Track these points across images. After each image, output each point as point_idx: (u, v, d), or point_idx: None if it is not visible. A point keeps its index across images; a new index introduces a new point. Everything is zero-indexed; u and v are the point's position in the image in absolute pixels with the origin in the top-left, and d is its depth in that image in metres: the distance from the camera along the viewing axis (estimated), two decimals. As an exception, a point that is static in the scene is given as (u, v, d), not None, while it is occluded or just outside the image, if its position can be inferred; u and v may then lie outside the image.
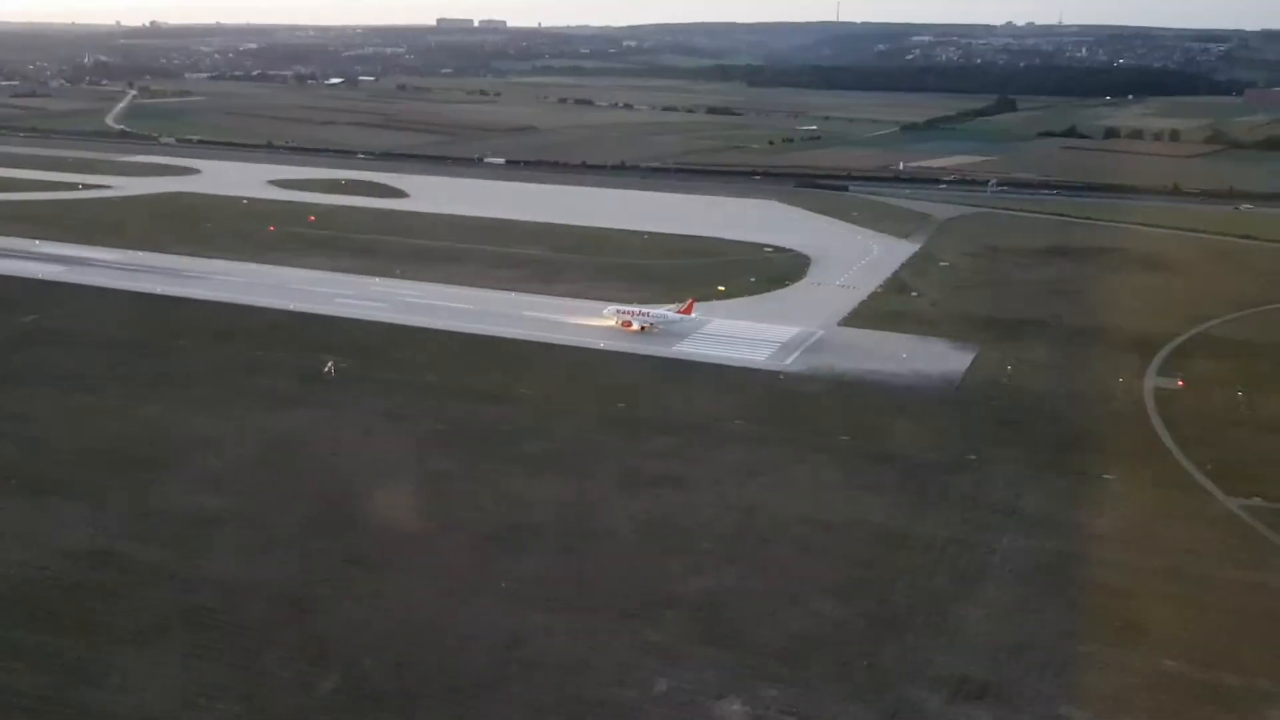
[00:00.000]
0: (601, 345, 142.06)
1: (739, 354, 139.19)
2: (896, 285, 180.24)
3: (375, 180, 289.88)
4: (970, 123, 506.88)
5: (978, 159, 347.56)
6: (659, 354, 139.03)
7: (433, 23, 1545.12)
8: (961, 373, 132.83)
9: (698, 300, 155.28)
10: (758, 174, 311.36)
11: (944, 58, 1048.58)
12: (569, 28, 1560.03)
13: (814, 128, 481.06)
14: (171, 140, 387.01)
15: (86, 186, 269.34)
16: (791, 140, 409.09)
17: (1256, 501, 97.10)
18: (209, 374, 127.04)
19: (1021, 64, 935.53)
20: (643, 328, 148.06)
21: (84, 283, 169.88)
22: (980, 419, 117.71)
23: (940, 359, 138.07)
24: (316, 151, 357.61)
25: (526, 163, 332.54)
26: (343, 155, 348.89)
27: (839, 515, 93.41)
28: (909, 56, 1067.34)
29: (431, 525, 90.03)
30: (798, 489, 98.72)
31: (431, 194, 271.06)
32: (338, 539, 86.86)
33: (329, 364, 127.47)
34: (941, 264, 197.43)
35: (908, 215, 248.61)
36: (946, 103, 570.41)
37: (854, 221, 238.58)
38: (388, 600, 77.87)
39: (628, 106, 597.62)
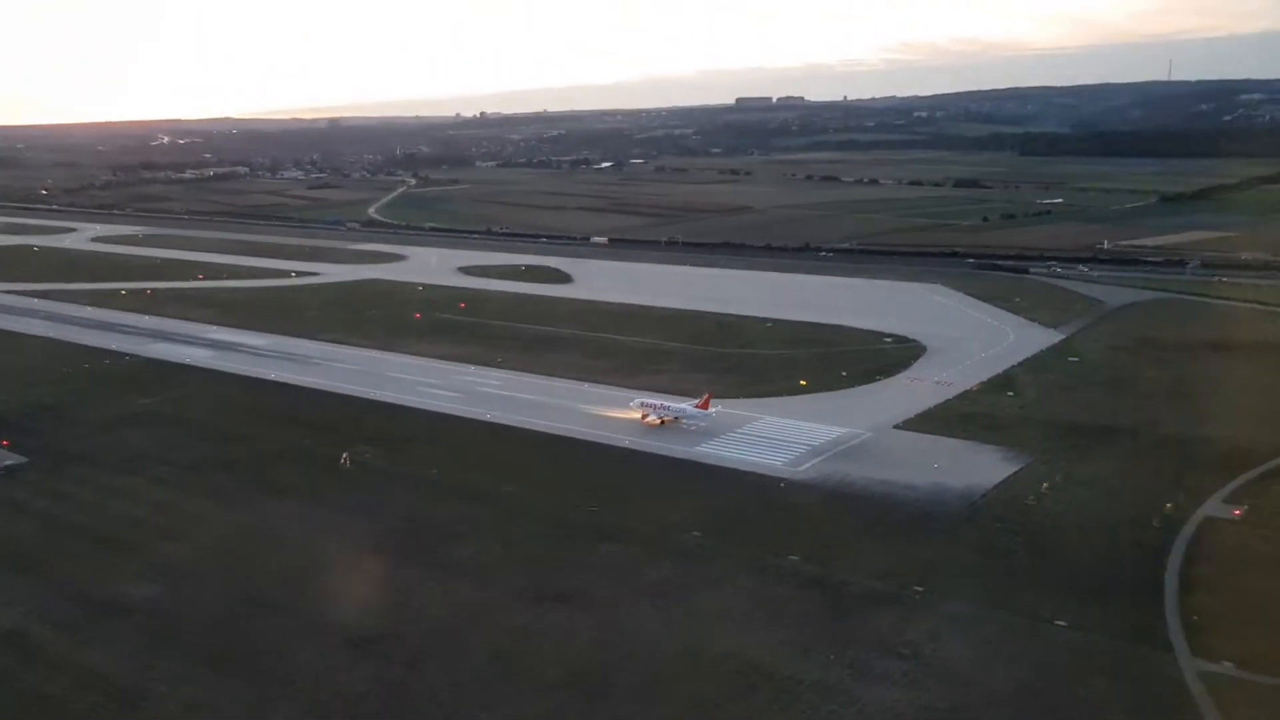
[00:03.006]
0: (626, 442, 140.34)
1: (759, 457, 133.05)
2: (1000, 383, 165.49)
3: (553, 265, 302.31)
4: (1249, 192, 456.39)
5: (1214, 235, 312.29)
6: (674, 453, 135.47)
7: (732, 101, 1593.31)
8: (987, 489, 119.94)
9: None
10: (932, 254, 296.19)
11: (1268, 117, 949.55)
12: (872, 100, 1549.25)
13: (1058, 200, 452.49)
14: (356, 225, 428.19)
15: (299, 274, 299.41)
16: (1013, 216, 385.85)
17: (1224, 666, 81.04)
18: (246, 461, 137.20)
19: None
20: (662, 421, 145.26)
21: (217, 368, 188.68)
22: (965, 545, 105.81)
23: (976, 471, 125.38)
24: (524, 237, 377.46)
25: (713, 245, 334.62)
26: (547, 240, 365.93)
27: (717, 648, 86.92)
28: (1227, 117, 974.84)
29: (302, 627, 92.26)
30: (695, 615, 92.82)
31: (594, 280, 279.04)
32: (217, 636, 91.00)
33: (344, 455, 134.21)
34: (1071, 359, 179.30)
35: (1075, 301, 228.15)
36: (1240, 168, 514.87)
37: (1010, 308, 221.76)
38: (200, 713, 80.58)
39: (873, 182, 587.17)
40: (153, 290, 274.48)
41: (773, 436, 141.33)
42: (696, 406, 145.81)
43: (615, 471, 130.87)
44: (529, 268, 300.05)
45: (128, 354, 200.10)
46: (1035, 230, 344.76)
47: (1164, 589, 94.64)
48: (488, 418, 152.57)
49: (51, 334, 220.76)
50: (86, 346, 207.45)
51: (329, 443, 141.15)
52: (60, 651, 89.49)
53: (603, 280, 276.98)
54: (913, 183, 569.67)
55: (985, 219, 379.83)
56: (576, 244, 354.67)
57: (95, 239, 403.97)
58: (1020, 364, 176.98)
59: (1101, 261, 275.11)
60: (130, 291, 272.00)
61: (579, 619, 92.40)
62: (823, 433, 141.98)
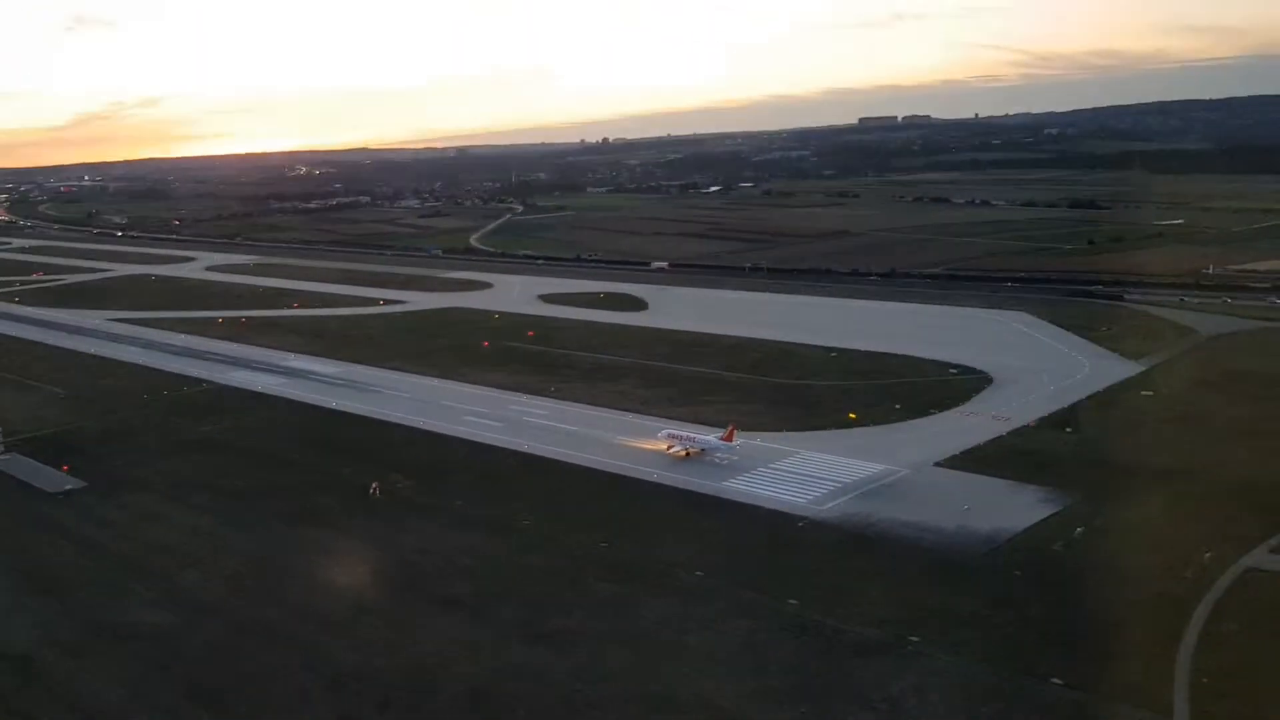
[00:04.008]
0: (655, 476, 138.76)
1: (785, 494, 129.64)
2: (1061, 419, 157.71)
3: (632, 292, 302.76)
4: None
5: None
6: (700, 488, 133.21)
7: (855, 121, 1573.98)
8: (1016, 533, 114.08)
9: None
10: (1023, 280, 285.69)
11: None
12: (1005, 117, 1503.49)
13: (1178, 221, 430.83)
14: (438, 251, 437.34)
15: (387, 302, 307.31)
16: (1120, 239, 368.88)
17: (1224, 738, 74.86)
18: (283, 489, 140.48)
19: None
20: (687, 453, 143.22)
21: (283, 395, 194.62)
22: (976, 593, 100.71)
23: (1008, 514, 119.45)
24: (611, 264, 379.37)
25: (798, 271, 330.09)
26: (629, 267, 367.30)
27: (689, 695, 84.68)
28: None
29: (290, 662, 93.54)
30: (677, 659, 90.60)
31: (669, 307, 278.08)
32: (208, 668, 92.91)
33: (374, 485, 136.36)
34: (1144, 393, 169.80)
35: (1165, 331, 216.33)
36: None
37: (1093, 338, 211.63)
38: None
39: (984, 203, 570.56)
40: (247, 319, 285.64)
41: (805, 473, 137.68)
42: (721, 439, 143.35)
43: (636, 506, 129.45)
44: (608, 294, 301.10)
45: (205, 381, 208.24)
46: (1141, 254, 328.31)
47: (1178, 646, 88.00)
48: (525, 448, 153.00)
49: (142, 360, 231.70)
50: (171, 373, 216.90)
51: (367, 471, 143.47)
52: (59, 677, 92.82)
53: (677, 308, 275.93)
54: (1025, 204, 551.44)
55: (1091, 242, 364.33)
56: (650, 271, 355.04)
57: (210, 268, 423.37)
58: (1089, 398, 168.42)
59: (1204, 288, 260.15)
60: (226, 320, 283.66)
61: (557, 661, 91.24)
62: (858, 469, 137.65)
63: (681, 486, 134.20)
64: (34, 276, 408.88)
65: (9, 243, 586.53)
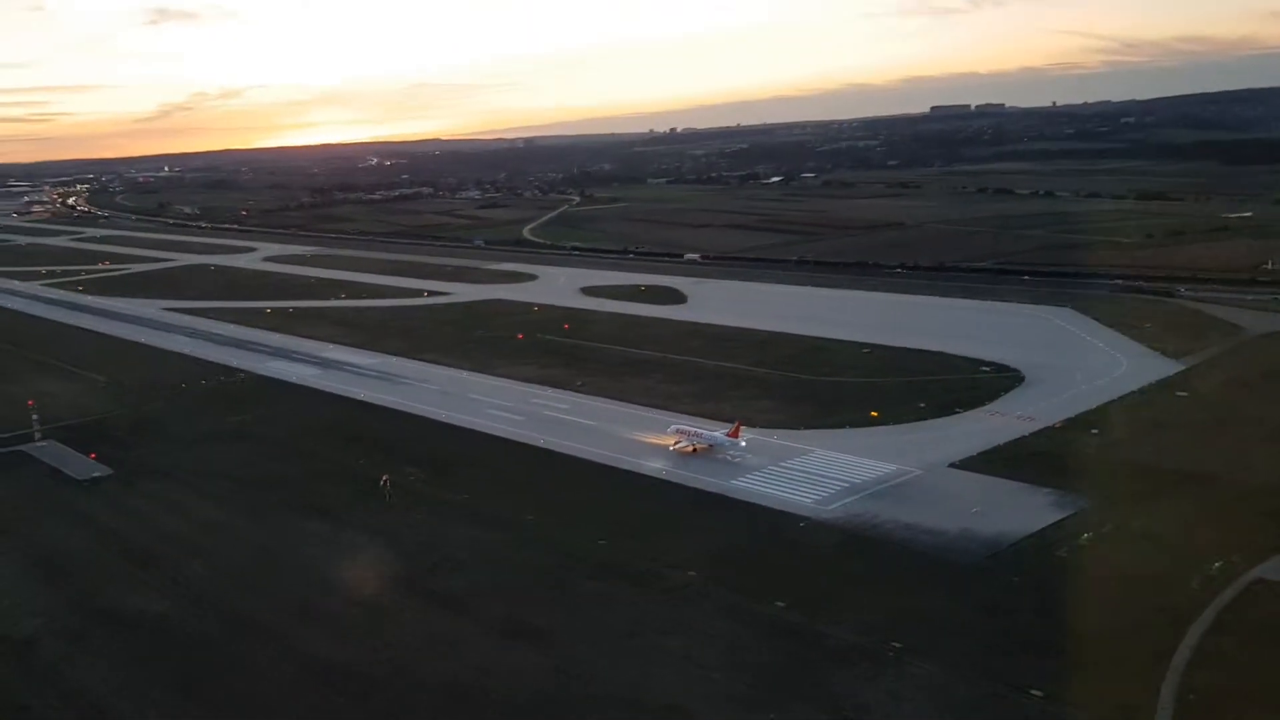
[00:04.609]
0: (664, 473, 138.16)
1: (792, 493, 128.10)
2: (1088, 419, 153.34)
3: (673, 285, 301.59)
4: None
5: None
6: (706, 486, 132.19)
7: (927, 110, 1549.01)
8: (1019, 538, 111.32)
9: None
10: (1073, 275, 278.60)
11: None
12: (1083, 105, 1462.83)
13: (1247, 214, 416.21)
14: (481, 242, 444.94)
15: (431, 294, 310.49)
16: (1181, 233, 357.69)
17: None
18: (299, 480, 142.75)
19: None
20: (694, 449, 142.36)
21: (315, 386, 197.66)
22: (969, 599, 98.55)
23: (1016, 517, 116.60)
24: (656, 256, 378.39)
25: (844, 265, 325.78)
26: (674, 260, 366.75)
27: (659, 698, 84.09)
28: None
29: (278, 654, 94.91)
30: (653, 661, 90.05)
31: (708, 301, 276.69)
32: (197, 658, 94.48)
33: (384, 478, 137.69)
34: (1179, 394, 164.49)
35: (1211, 328, 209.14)
36: None
37: (1135, 335, 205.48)
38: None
39: (1048, 194, 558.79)
40: (294, 309, 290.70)
41: (815, 472, 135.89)
42: (727, 435, 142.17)
43: (640, 503, 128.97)
44: (649, 288, 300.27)
45: (243, 371, 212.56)
46: (1201, 248, 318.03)
47: (1171, 660, 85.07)
48: (540, 443, 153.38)
49: (187, 350, 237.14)
50: (212, 363, 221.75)
51: (383, 464, 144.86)
52: (56, 663, 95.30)
53: (716, 301, 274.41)
54: (1090, 195, 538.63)
55: (1150, 235, 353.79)
56: (684, 263, 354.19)
57: (268, 259, 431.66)
58: (1121, 398, 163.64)
59: (1260, 284, 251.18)
60: (275, 310, 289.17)
61: (536, 658, 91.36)
62: (870, 469, 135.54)
63: (689, 484, 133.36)
64: (100, 266, 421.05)
65: (83, 232, 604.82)
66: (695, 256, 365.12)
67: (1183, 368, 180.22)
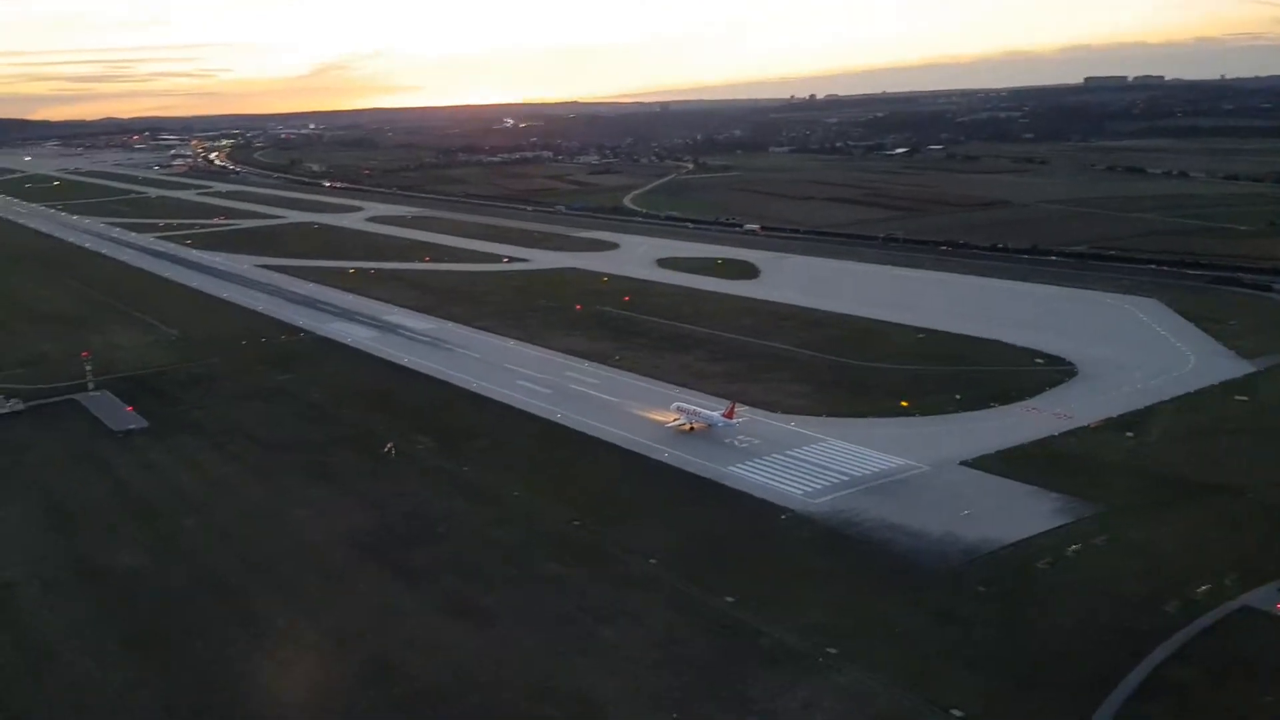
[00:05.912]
0: (665, 455, 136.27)
1: (785, 484, 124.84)
2: (1129, 420, 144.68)
3: (748, 259, 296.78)
4: None
5: None
6: (701, 470, 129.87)
7: (1081, 80, 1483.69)
8: (1002, 545, 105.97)
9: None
10: (1170, 263, 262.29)
11: None
12: (1255, 78, 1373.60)
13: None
14: (563, 208, 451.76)
15: (511, 260, 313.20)
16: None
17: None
18: (316, 443, 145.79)
19: None
20: (693, 427, 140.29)
21: (365, 349, 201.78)
22: (926, 607, 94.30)
23: (1008, 523, 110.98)
24: (736, 227, 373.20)
25: (933, 244, 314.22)
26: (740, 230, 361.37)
27: (571, 688, 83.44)
28: None
29: (231, 617, 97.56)
30: (582, 650, 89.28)
31: (778, 276, 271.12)
32: (157, 615, 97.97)
33: (389, 445, 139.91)
34: (1238, 398, 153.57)
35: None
36: None
37: (1215, 332, 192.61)
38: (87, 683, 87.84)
39: (1181, 175, 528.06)
40: (376, 270, 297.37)
41: (817, 462, 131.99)
42: (723, 415, 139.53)
43: (631, 484, 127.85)
44: (726, 261, 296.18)
45: (304, 330, 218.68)
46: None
47: (1115, 690, 79.70)
48: (558, 417, 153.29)
49: (262, 307, 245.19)
50: (279, 320, 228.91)
51: (399, 430, 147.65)
52: (28, 608, 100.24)
53: (787, 278, 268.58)
54: (1228, 177, 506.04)
55: (1272, 223, 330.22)
56: (780, 237, 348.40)
57: (370, 219, 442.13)
58: (1174, 399, 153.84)
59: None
60: (357, 270, 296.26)
61: (467, 639, 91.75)
62: (875, 463, 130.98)
63: (686, 468, 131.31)
64: (215, 221, 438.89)
65: (210, 187, 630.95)
66: (755, 228, 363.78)
67: (1254, 369, 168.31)
